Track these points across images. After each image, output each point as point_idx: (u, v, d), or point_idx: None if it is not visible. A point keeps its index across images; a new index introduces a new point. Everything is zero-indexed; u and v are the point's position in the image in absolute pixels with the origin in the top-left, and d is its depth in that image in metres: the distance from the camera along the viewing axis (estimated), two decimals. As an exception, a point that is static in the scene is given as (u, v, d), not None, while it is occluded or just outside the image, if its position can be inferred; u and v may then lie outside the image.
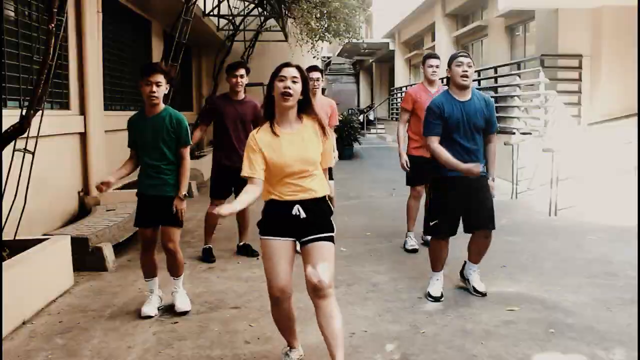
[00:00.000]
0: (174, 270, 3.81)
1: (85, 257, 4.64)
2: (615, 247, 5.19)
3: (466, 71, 3.73)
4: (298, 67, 2.73)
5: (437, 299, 3.88)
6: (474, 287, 4.00)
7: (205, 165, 9.29)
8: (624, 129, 8.22)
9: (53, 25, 3.82)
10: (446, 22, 16.27)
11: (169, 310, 3.79)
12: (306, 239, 2.73)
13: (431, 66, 5.09)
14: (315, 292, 2.64)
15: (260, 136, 2.73)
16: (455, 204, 3.82)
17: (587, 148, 7.97)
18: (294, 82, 2.68)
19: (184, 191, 3.67)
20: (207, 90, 14.13)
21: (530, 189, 7.95)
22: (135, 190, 3.77)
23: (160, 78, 3.56)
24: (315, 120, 2.80)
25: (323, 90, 6.21)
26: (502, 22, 12.69)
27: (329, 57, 29.20)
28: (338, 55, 27.64)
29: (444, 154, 3.72)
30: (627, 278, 4.28)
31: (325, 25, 11.21)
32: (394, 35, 22.21)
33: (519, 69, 10.16)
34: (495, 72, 11.03)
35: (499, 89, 10.91)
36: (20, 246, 3.93)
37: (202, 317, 3.66)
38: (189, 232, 6.13)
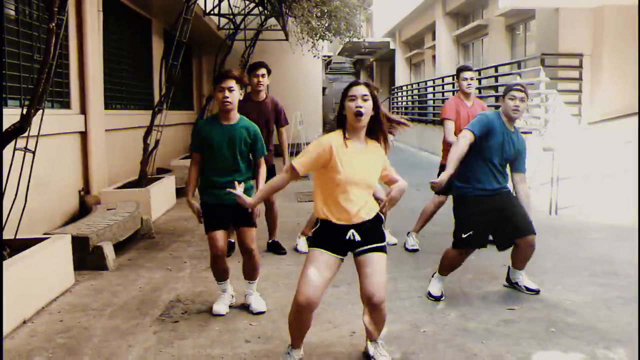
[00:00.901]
0: (252, 273, 3.77)
1: (86, 256, 4.64)
2: (616, 246, 5.19)
3: (517, 106, 3.83)
4: (366, 84, 2.78)
5: (437, 299, 3.88)
6: (526, 287, 4.01)
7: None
8: (624, 128, 8.21)
9: (54, 24, 3.82)
10: (446, 21, 16.26)
11: (169, 309, 3.79)
12: (358, 250, 2.80)
13: (465, 79, 5.09)
14: (370, 305, 2.77)
15: (334, 141, 2.76)
16: (485, 219, 3.81)
17: (587, 147, 7.97)
18: (364, 100, 2.72)
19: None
20: (207, 90, 14.13)
21: (530, 188, 7.95)
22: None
23: (233, 84, 3.54)
24: (381, 136, 2.85)
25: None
26: (502, 21, 12.69)
27: (329, 56, 29.18)
28: (338, 54, 27.61)
29: (457, 148, 3.72)
30: (628, 277, 4.29)
31: (326, 24, 11.18)
32: (395, 34, 22.19)
33: (519, 68, 10.16)
34: (496, 71, 11.03)
35: (499, 88, 10.91)
36: (21, 245, 3.93)
37: (203, 316, 3.66)
38: (188, 232, 6.14)
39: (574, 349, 3.09)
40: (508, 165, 3.99)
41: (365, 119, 2.75)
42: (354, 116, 2.72)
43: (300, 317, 2.76)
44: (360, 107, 2.70)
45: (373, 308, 2.77)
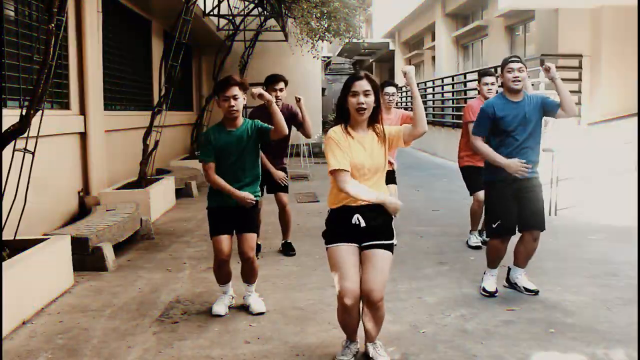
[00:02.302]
0: (251, 277, 3.77)
1: (85, 257, 4.64)
2: (616, 247, 5.19)
3: (517, 77, 3.86)
4: (368, 78, 2.81)
5: (492, 294, 3.92)
6: (525, 288, 4.02)
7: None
8: (623, 129, 8.22)
9: (53, 25, 3.82)
10: (446, 21, 16.28)
11: (168, 310, 3.79)
12: (365, 244, 2.84)
13: (486, 84, 5.26)
14: (368, 301, 2.78)
15: (337, 135, 2.84)
16: (510, 205, 3.88)
17: (587, 148, 7.97)
18: (366, 95, 2.78)
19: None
20: (207, 90, 14.13)
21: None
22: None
23: (237, 90, 3.52)
24: (380, 126, 2.91)
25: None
26: (502, 22, 12.70)
27: (329, 57, 29.19)
28: (338, 55, 27.63)
29: (486, 149, 3.92)
30: (628, 278, 4.28)
31: (326, 25, 11.19)
32: (394, 35, 22.21)
33: (519, 68, 10.14)
34: (495, 72, 11.02)
35: (499, 89, 10.91)
36: (20, 246, 3.93)
37: (202, 317, 3.66)
38: (189, 232, 6.14)
39: (574, 350, 3.09)
40: (544, 125, 4.07)
41: (367, 114, 2.82)
42: (356, 112, 2.79)
43: (351, 314, 2.82)
44: (362, 103, 2.77)
45: (370, 305, 2.78)
